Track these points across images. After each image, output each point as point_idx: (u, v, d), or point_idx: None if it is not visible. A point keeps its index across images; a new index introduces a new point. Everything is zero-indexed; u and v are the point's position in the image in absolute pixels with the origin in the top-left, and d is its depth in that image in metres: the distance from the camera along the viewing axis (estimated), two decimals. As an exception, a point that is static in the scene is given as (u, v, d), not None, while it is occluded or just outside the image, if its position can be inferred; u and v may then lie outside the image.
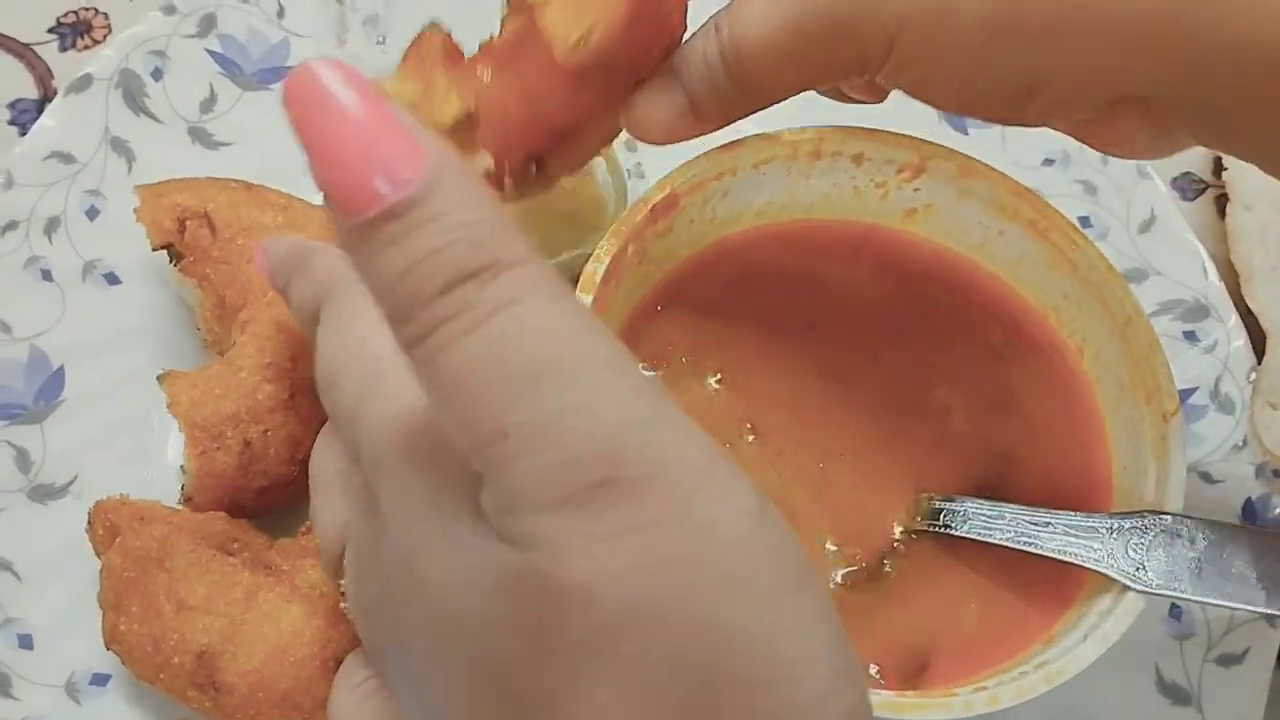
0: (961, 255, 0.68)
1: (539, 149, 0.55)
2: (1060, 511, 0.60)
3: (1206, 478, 0.72)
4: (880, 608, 0.60)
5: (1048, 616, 0.61)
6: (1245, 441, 0.73)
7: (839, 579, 0.61)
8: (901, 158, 0.65)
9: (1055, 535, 0.59)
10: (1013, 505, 0.61)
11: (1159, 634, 0.69)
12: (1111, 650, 0.56)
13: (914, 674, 0.60)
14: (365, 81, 0.34)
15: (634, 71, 0.54)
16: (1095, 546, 0.58)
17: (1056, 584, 0.61)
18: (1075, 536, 0.59)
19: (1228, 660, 0.68)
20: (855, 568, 0.61)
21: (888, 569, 0.61)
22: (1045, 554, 0.59)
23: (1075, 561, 0.58)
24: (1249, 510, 0.71)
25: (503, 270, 0.33)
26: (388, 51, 0.79)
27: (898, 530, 0.62)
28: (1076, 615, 0.59)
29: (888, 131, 0.65)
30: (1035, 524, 0.60)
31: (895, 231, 0.69)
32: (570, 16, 0.50)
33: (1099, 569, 0.58)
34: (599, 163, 0.77)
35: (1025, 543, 0.59)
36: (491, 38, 0.54)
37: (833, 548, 0.61)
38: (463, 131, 0.53)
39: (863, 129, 0.65)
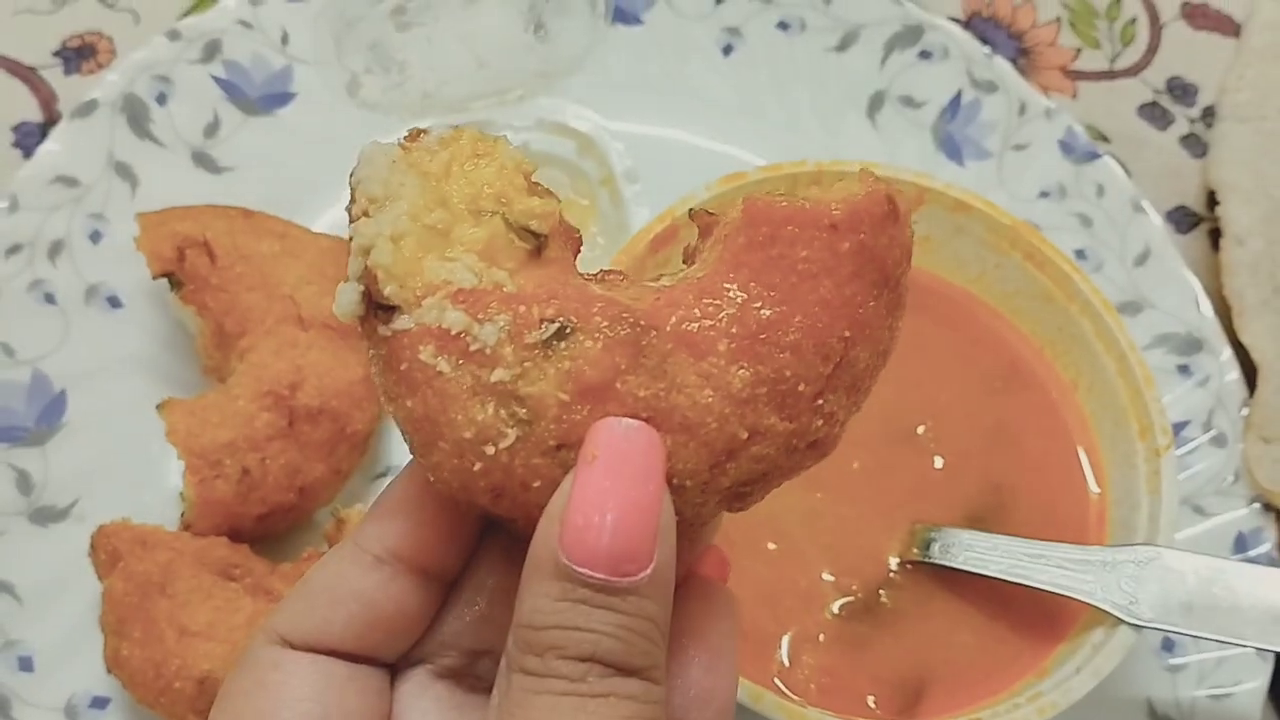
0: (957, 287, 0.69)
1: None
2: (1054, 544, 0.60)
3: (1199, 511, 0.73)
4: (876, 639, 0.61)
5: (1041, 649, 0.61)
6: (1237, 475, 0.73)
7: (835, 610, 0.61)
8: (902, 187, 0.66)
9: (1049, 568, 0.59)
10: (1006, 537, 0.61)
11: (1151, 666, 0.69)
12: (1104, 682, 0.57)
13: (909, 705, 0.60)
14: (664, 469, 0.36)
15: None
16: (1088, 579, 0.59)
17: (1050, 616, 0.61)
18: (1069, 569, 0.59)
19: (1219, 693, 0.69)
20: (851, 599, 0.61)
21: (884, 600, 0.62)
22: (1039, 587, 0.59)
23: (1069, 595, 0.59)
24: (1240, 544, 0.72)
25: (632, 680, 0.36)
26: (407, 93, 0.79)
27: (893, 561, 0.63)
28: (1070, 648, 0.60)
29: (889, 165, 0.66)
30: (1029, 556, 0.60)
31: None
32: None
33: (1092, 602, 0.58)
34: (601, 193, 0.77)
35: (1019, 575, 0.60)
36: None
37: (829, 578, 0.62)
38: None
39: (863, 163, 0.66)
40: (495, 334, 0.36)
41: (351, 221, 0.39)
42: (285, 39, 0.83)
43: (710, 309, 0.37)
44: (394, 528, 0.41)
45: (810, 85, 0.85)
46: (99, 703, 0.65)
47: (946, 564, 0.61)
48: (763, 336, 0.37)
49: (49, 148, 0.77)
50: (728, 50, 0.86)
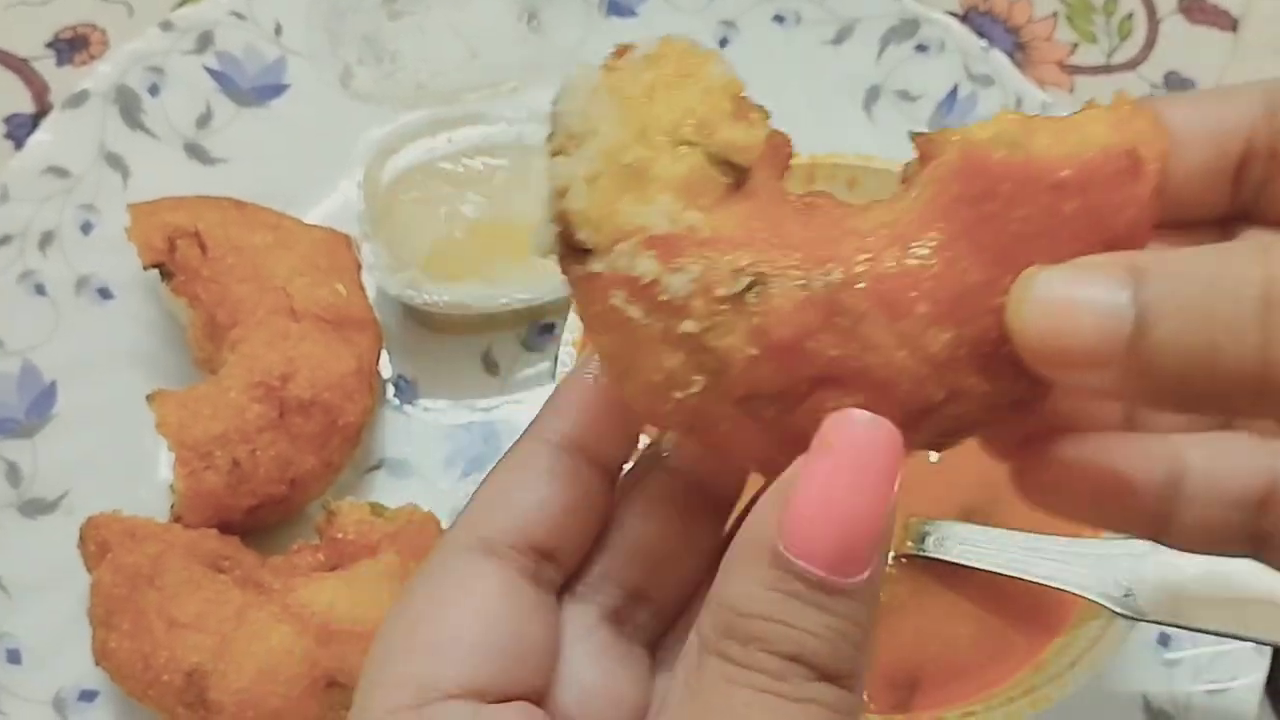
0: None
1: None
2: (1049, 537, 0.60)
3: (1195, 505, 0.72)
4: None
5: (1037, 642, 0.61)
6: (1234, 469, 0.73)
7: None
8: (893, 177, 0.66)
9: (1044, 561, 0.59)
10: (1001, 531, 0.61)
11: (1146, 660, 0.69)
12: (1099, 676, 0.56)
13: (904, 698, 0.60)
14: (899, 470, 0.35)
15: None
16: (1084, 573, 0.58)
17: (1046, 610, 0.61)
18: (1064, 563, 0.59)
19: (1215, 688, 0.68)
20: None
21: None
22: (1034, 580, 0.59)
23: (1064, 588, 0.58)
24: (1237, 538, 0.71)
25: (835, 685, 0.35)
26: (400, 83, 0.79)
27: (888, 555, 0.62)
28: (1066, 641, 0.60)
29: (875, 157, 0.66)
30: (1024, 550, 0.60)
31: None
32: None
33: (1088, 596, 0.58)
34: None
35: (1014, 569, 0.59)
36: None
37: None
38: None
39: (853, 155, 0.66)
40: (685, 285, 0.35)
41: (550, 155, 0.37)
42: (278, 30, 0.83)
43: (913, 267, 0.35)
44: (575, 418, 0.41)
45: (806, 78, 0.85)
46: (87, 695, 0.65)
47: (941, 557, 0.61)
48: (968, 300, 0.35)
49: (40, 138, 0.77)
50: (723, 43, 0.86)
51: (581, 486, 0.41)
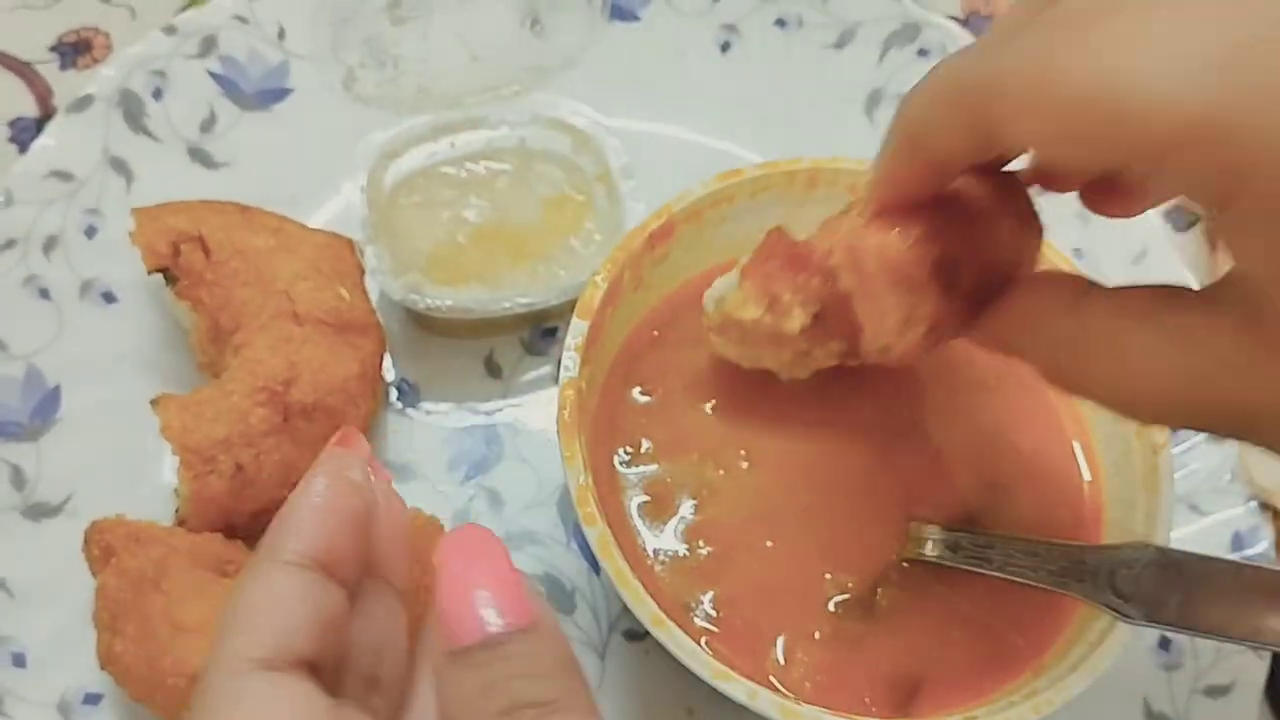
0: None
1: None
2: (1050, 542, 0.60)
3: (1196, 509, 0.72)
4: (872, 636, 0.60)
5: (1037, 646, 0.61)
6: (1234, 474, 0.73)
7: (832, 607, 0.61)
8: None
9: (1045, 565, 0.59)
10: (1003, 535, 0.61)
11: (1147, 664, 0.69)
12: (1100, 680, 0.56)
13: (905, 701, 0.60)
14: (503, 547, 0.43)
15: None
16: (1084, 576, 0.58)
17: (1046, 614, 0.61)
18: (1065, 566, 0.59)
19: (1215, 691, 0.68)
20: (847, 596, 0.61)
21: (880, 598, 0.61)
22: (1035, 585, 0.59)
23: (1065, 592, 0.58)
24: (1237, 542, 0.72)
25: (559, 710, 0.40)
26: (402, 87, 0.79)
27: (890, 560, 0.62)
28: (1065, 645, 0.60)
29: (846, 158, 0.67)
30: (1025, 554, 0.60)
31: None
32: (875, 325, 0.52)
33: (1088, 599, 0.58)
34: (597, 189, 0.77)
35: (1015, 573, 0.59)
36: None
37: (826, 576, 0.61)
38: (811, 329, 0.56)
39: (854, 159, 0.67)
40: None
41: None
42: (281, 34, 0.83)
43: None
44: (312, 539, 0.44)
45: (808, 82, 0.85)
46: (92, 699, 0.65)
47: (943, 562, 0.61)
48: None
49: (44, 142, 0.77)
50: (725, 47, 0.86)
51: (334, 600, 0.44)
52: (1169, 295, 0.44)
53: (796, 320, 0.56)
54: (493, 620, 0.40)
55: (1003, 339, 0.49)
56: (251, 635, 0.42)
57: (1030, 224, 0.52)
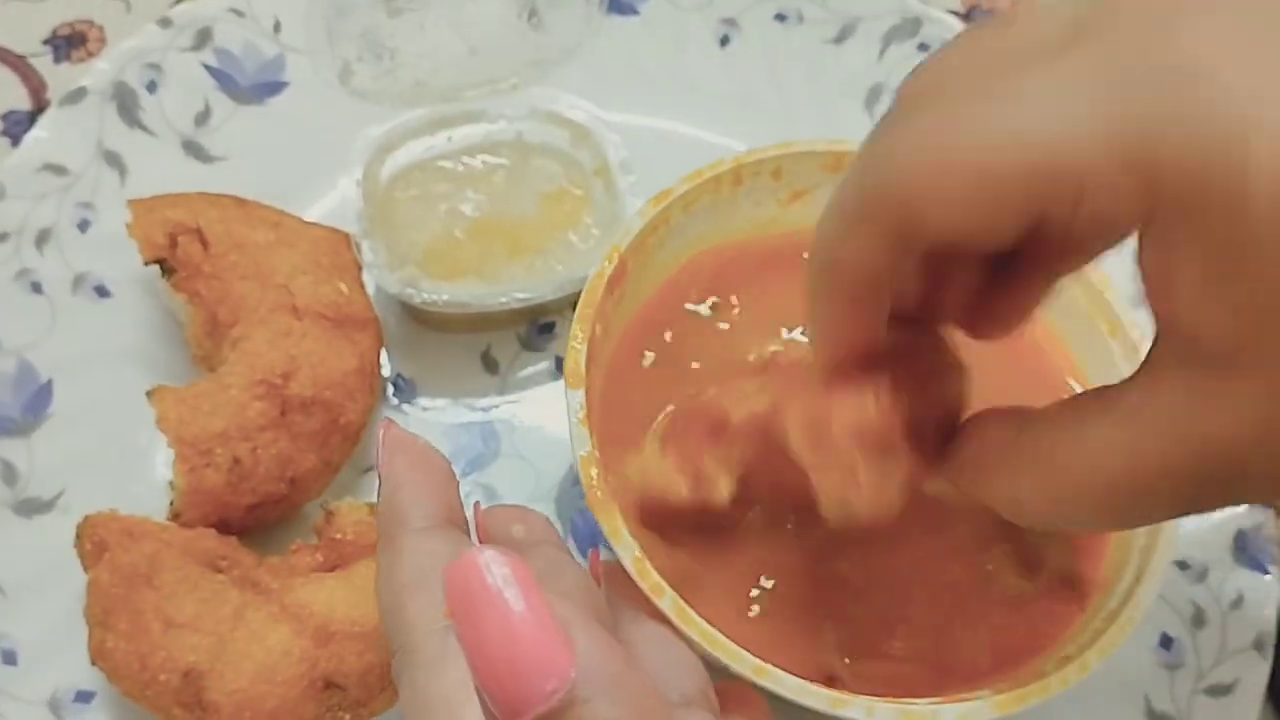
0: None
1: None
2: None
3: (1198, 507, 0.72)
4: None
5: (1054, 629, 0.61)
6: (1237, 471, 0.73)
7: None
8: (819, 159, 0.67)
9: None
10: None
11: (1148, 663, 0.69)
12: (1101, 679, 0.56)
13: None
14: (527, 573, 0.38)
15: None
16: None
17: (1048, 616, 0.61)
18: None
19: (1217, 691, 0.68)
20: None
21: None
22: None
23: None
24: (1240, 540, 0.71)
25: None
26: (399, 81, 0.79)
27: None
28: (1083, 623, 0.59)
29: (800, 140, 0.68)
30: None
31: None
32: (834, 488, 0.51)
33: None
34: (595, 183, 0.77)
35: None
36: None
37: None
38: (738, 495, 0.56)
39: (774, 145, 0.68)
40: None
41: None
42: (277, 27, 0.82)
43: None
44: (429, 500, 0.46)
45: (808, 77, 0.85)
46: (84, 696, 0.64)
47: None
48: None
49: (37, 135, 0.76)
50: (725, 41, 0.86)
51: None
52: (1108, 388, 0.44)
53: (724, 489, 0.55)
54: (537, 689, 0.36)
55: (965, 480, 0.50)
56: (427, 616, 0.41)
57: (960, 365, 0.52)
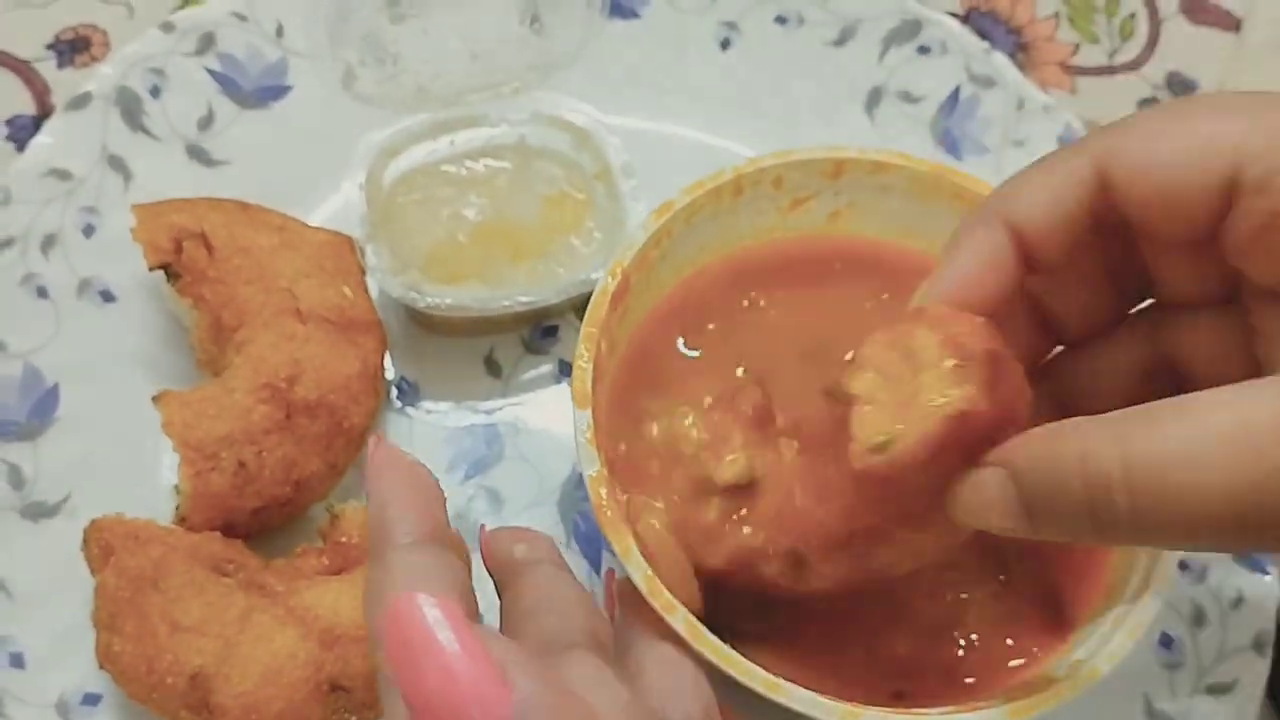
0: (888, 244, 0.70)
1: (805, 548, 0.53)
2: None
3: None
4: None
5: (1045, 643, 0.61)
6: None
7: None
8: (818, 166, 0.68)
9: None
10: None
11: (1149, 662, 0.69)
12: (1102, 678, 0.56)
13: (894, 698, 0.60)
14: (459, 614, 0.38)
15: (934, 493, 0.48)
16: None
17: (1048, 621, 0.61)
18: None
19: (1217, 690, 0.68)
20: None
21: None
22: None
23: None
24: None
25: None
26: (402, 85, 0.79)
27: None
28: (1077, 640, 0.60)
29: (798, 149, 0.68)
30: None
31: (821, 238, 0.70)
32: (878, 420, 0.47)
33: None
34: (597, 187, 0.77)
35: None
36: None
37: None
38: (739, 495, 0.54)
39: (772, 154, 0.68)
40: None
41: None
42: (280, 32, 0.83)
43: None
44: (416, 517, 0.46)
45: (808, 80, 0.85)
46: (91, 699, 0.64)
47: None
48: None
49: (41, 140, 0.77)
50: (725, 44, 0.86)
51: (457, 565, 0.46)
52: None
53: (734, 470, 0.55)
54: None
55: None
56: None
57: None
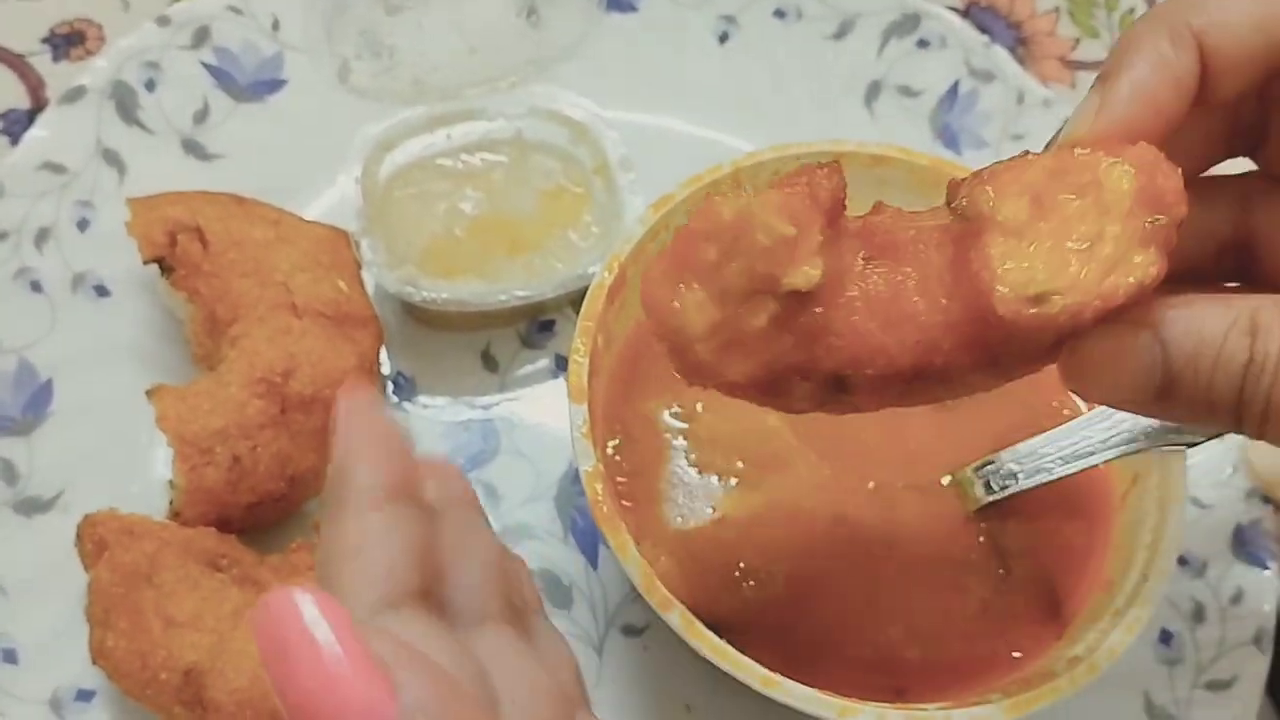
0: None
1: (854, 373, 0.44)
2: (1083, 419, 0.61)
3: (1197, 503, 0.72)
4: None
5: (1043, 638, 0.61)
6: (1235, 467, 0.73)
7: None
8: (817, 160, 0.66)
9: (1099, 438, 0.60)
10: (1041, 436, 0.61)
11: (1148, 659, 0.69)
12: (1101, 673, 0.56)
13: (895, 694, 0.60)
14: (341, 613, 0.35)
15: (1050, 347, 0.42)
16: (1137, 436, 0.58)
17: (1046, 617, 0.61)
18: (1115, 427, 0.59)
19: (1217, 686, 0.68)
20: None
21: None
22: (1107, 459, 0.59)
23: (1134, 448, 0.59)
24: (1239, 535, 0.71)
25: None
26: (398, 79, 0.79)
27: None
28: (1072, 635, 0.60)
29: (797, 143, 0.68)
30: (1075, 439, 0.60)
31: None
32: (1034, 262, 0.40)
33: (1155, 445, 0.58)
34: (595, 181, 0.77)
35: (1081, 461, 0.60)
36: (886, 211, 0.46)
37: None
38: (797, 302, 0.43)
39: (770, 148, 0.68)
40: None
41: None
42: (276, 25, 0.82)
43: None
44: (376, 469, 0.44)
45: (807, 74, 0.85)
46: (84, 695, 0.64)
47: (1012, 491, 0.61)
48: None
49: (35, 134, 0.76)
50: (724, 38, 0.86)
51: (419, 528, 0.43)
52: None
53: (803, 278, 0.42)
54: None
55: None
56: (359, 588, 0.40)
57: None
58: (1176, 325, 0.41)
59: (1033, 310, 0.39)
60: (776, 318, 0.43)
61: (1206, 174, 0.50)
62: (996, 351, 0.42)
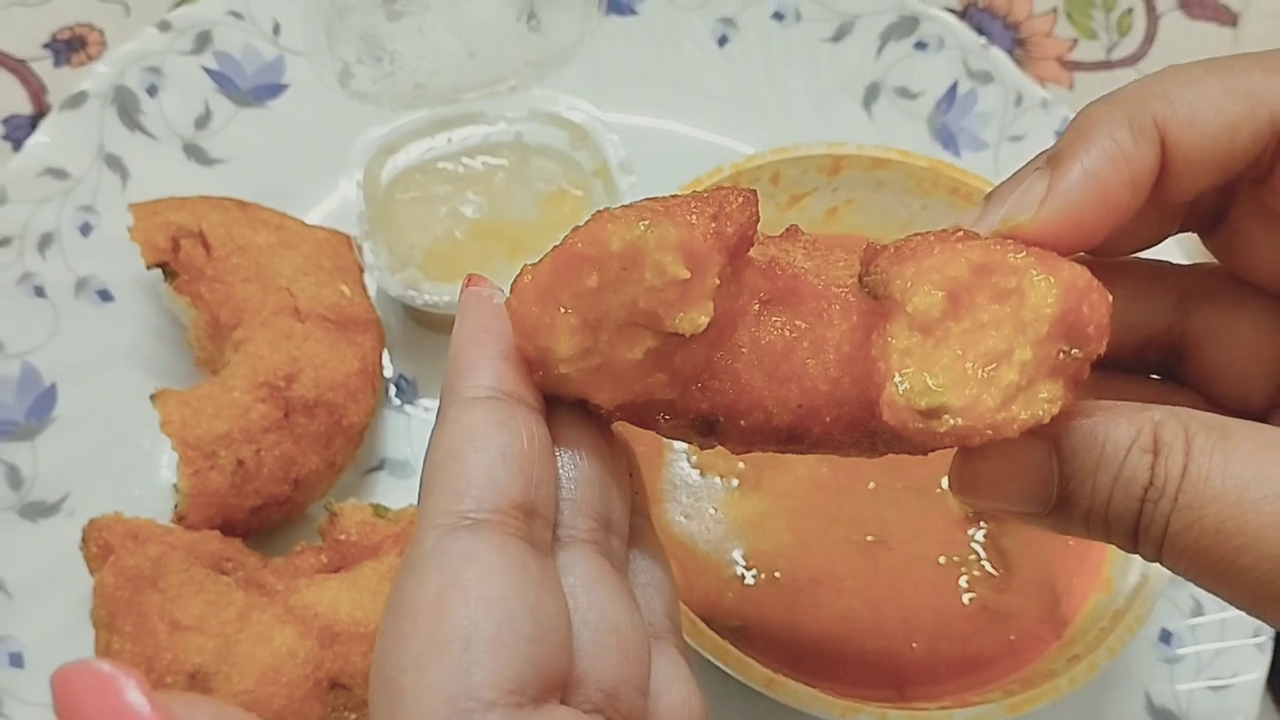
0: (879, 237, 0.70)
1: (727, 420, 0.42)
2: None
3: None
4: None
5: (1041, 640, 0.61)
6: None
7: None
8: (816, 162, 0.68)
9: None
10: None
11: (1149, 658, 0.69)
12: (1101, 673, 0.56)
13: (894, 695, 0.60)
14: (152, 696, 0.34)
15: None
16: None
17: (1046, 616, 0.61)
18: None
19: (1217, 685, 0.68)
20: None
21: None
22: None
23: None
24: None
25: None
26: (399, 83, 0.79)
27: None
28: (1072, 635, 0.60)
29: (795, 145, 0.68)
30: None
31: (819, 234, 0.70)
32: (933, 369, 0.38)
33: None
34: (595, 184, 0.77)
35: None
36: (800, 240, 0.44)
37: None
38: (676, 340, 0.41)
39: (770, 151, 0.68)
40: None
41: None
42: (276, 30, 0.82)
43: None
44: (491, 369, 0.42)
45: (805, 76, 0.85)
46: (91, 698, 0.64)
47: None
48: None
49: (38, 140, 0.77)
50: (722, 41, 0.86)
51: (528, 431, 0.40)
52: None
53: (696, 321, 0.40)
54: None
55: None
56: (448, 487, 0.39)
57: None
58: (1077, 436, 0.38)
59: (919, 425, 0.38)
60: (653, 353, 0.41)
61: (1149, 254, 0.48)
62: (876, 439, 0.41)
